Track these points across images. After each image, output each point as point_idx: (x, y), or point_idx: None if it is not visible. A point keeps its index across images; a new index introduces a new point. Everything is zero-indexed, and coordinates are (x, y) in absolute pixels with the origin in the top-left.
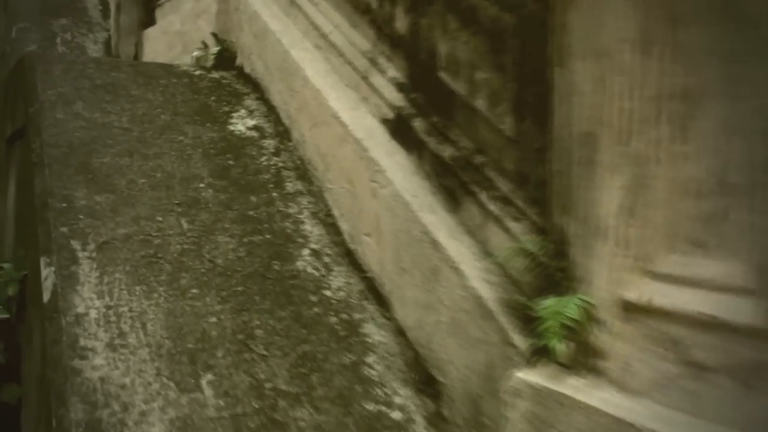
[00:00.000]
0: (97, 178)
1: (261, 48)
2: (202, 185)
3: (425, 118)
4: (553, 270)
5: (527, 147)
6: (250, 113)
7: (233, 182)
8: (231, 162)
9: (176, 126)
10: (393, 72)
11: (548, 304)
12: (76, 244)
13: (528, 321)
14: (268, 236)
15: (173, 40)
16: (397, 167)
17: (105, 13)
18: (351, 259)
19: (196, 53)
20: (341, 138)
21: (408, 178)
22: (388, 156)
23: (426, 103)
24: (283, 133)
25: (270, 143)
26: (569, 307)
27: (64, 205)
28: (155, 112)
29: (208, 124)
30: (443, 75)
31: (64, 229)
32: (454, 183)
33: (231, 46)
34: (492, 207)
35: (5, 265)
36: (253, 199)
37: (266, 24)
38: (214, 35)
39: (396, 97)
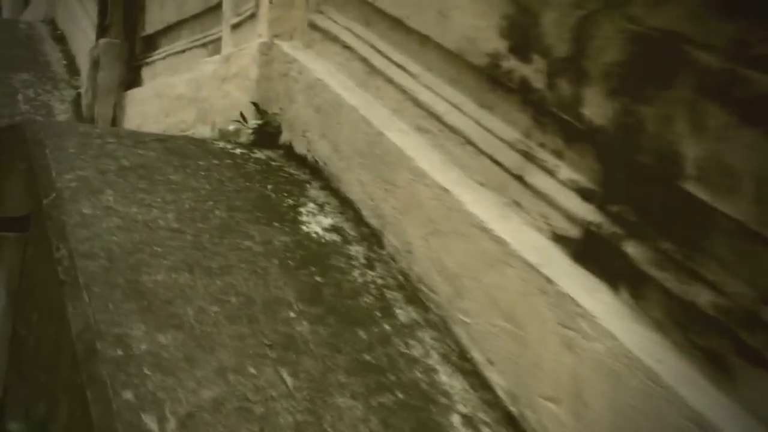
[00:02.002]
0: (154, 305)
1: (327, 125)
2: (292, 314)
3: (646, 242)
4: None
5: None
6: (321, 208)
7: (330, 309)
8: (318, 278)
9: (237, 226)
10: (570, 173)
11: None
12: (150, 421)
13: None
14: (400, 395)
15: (173, 105)
16: (608, 310)
17: (70, 68)
18: (517, 430)
19: (231, 126)
20: (494, 258)
21: (631, 328)
22: (586, 292)
23: (644, 221)
24: (369, 237)
25: (357, 251)
26: None
27: (120, 352)
28: (206, 205)
29: (275, 224)
30: (691, 187)
31: (128, 395)
32: (722, 345)
33: (273, 120)
34: None
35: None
36: (363, 334)
37: (339, 96)
38: (255, 106)
39: (581, 208)
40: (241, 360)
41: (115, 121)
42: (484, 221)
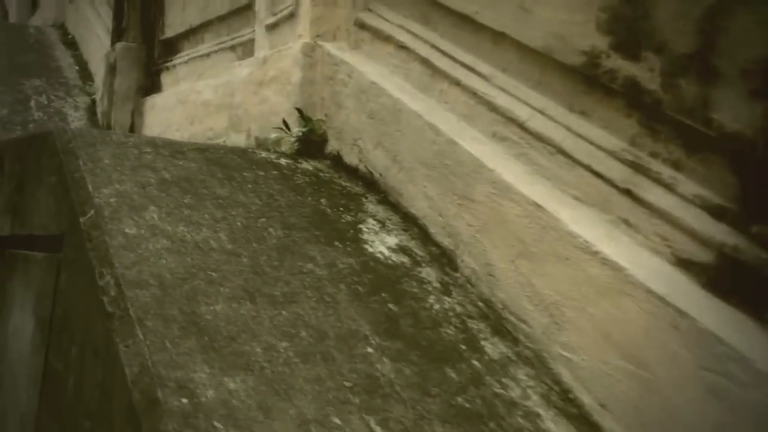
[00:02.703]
0: (216, 342)
1: (383, 133)
2: (370, 350)
3: None
4: None
5: None
6: (382, 225)
7: (411, 343)
8: (392, 307)
9: (296, 246)
10: (694, 187)
11: None
12: None
13: None
14: None
15: (199, 112)
16: (763, 351)
17: (82, 73)
18: None
19: (273, 135)
20: (606, 285)
21: None
22: (730, 327)
23: None
24: (439, 258)
25: (429, 273)
26: None
27: (185, 401)
28: (259, 223)
29: (336, 243)
30: None
31: None
32: None
33: (318, 127)
34: None
35: None
36: (452, 373)
37: (398, 101)
38: (299, 112)
39: (712, 228)
40: (322, 407)
41: (133, 129)
42: (590, 242)
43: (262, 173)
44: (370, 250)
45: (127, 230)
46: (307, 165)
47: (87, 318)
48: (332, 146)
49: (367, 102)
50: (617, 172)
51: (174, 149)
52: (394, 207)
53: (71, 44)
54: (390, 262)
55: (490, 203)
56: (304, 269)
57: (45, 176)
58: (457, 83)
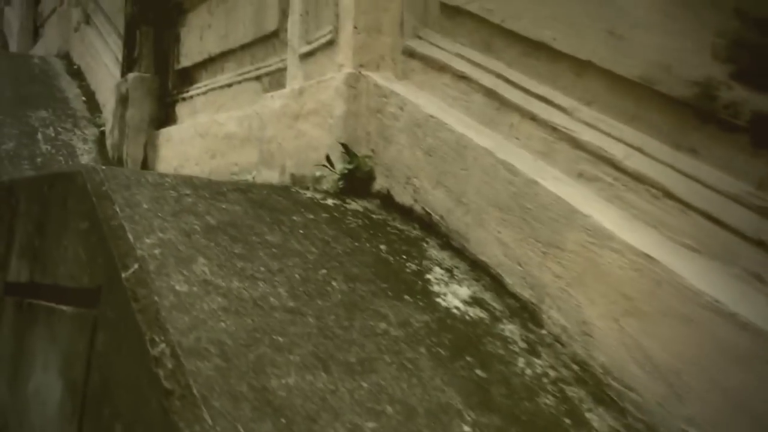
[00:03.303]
0: (296, 424)
1: (444, 171)
2: (466, 428)
3: None
4: None
5: None
6: (450, 274)
7: (509, 417)
8: (480, 372)
9: (364, 302)
10: None
11: None
12: None
13: None
14: None
15: (221, 146)
16: None
17: (90, 104)
18: None
19: (317, 172)
20: (743, 352)
21: None
22: None
23: None
24: (519, 312)
25: (512, 331)
26: None
27: None
28: (319, 275)
29: (405, 297)
30: None
31: None
32: None
33: (363, 164)
34: None
35: None
36: None
37: (462, 136)
38: (345, 147)
39: None
40: None
41: (146, 163)
42: (721, 302)
43: (311, 216)
44: (444, 304)
45: (177, 287)
46: (355, 205)
47: (136, 392)
48: (380, 184)
49: (423, 137)
50: (744, 219)
51: (214, 190)
52: (460, 253)
53: (77, 74)
54: (467, 318)
55: (584, 253)
56: (378, 329)
57: (73, 221)
58: (531, 117)
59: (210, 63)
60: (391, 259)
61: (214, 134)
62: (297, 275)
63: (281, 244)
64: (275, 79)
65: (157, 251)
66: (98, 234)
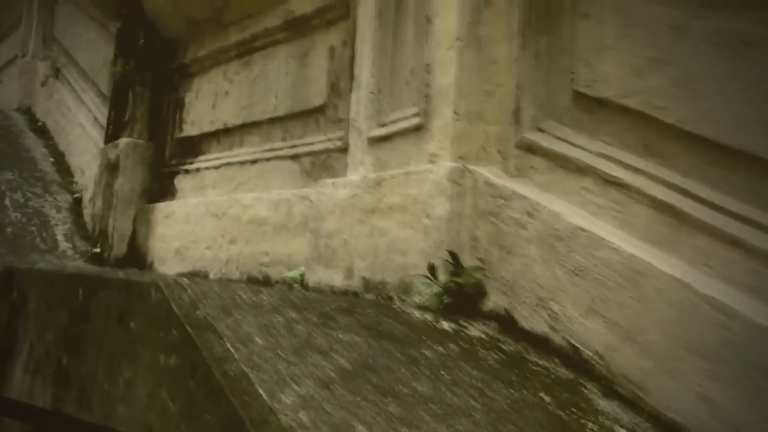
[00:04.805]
0: None
1: (603, 298)
2: None
3: None
4: None
5: None
6: None
7: None
8: None
9: None
10: None
11: None
12: None
13: None
14: None
15: (246, 231)
16: None
17: (60, 167)
18: None
19: (410, 281)
20: None
21: None
22: None
23: None
24: None
25: None
26: None
27: None
28: None
29: None
30: None
31: None
32: None
33: (470, 276)
34: None
35: None
36: None
37: (634, 259)
38: (453, 256)
39: None
40: None
41: (134, 238)
42: None
43: (441, 349)
44: None
45: None
46: (475, 330)
47: None
48: (495, 302)
49: (567, 253)
50: None
51: (318, 311)
52: (632, 404)
53: (42, 132)
54: None
55: None
56: None
57: (147, 352)
58: (731, 241)
59: (225, 134)
60: (563, 415)
61: (235, 216)
62: None
63: (435, 397)
64: (320, 161)
65: (303, 417)
66: (204, 380)
